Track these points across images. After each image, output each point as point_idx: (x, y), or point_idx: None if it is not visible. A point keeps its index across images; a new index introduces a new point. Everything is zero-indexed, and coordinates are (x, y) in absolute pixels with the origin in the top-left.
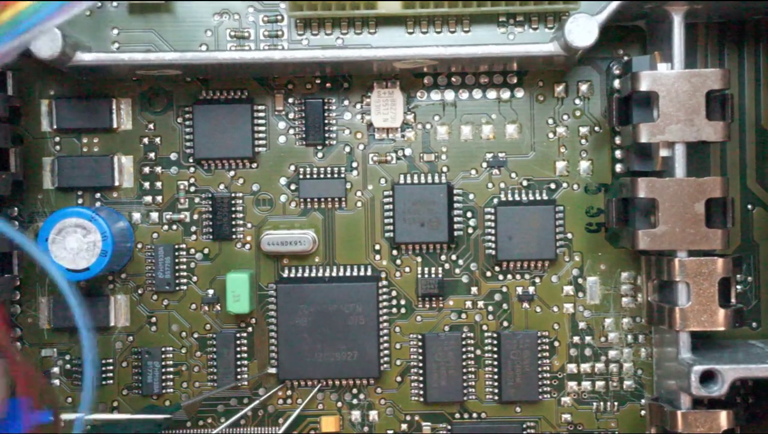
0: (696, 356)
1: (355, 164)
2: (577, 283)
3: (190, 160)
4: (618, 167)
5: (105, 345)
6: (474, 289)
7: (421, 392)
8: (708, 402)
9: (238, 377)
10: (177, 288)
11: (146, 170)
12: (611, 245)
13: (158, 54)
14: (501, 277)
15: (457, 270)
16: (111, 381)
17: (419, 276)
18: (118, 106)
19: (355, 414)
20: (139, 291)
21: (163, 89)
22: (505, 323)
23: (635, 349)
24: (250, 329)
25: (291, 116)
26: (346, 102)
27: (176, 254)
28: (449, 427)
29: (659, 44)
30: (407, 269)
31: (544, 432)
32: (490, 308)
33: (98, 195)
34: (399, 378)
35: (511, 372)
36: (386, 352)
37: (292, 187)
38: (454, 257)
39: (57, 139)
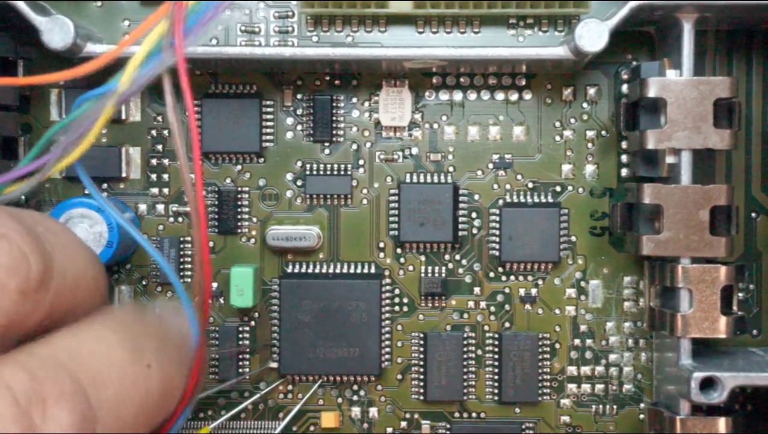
0: (696, 362)
1: (361, 162)
2: (579, 286)
3: None
4: (624, 172)
5: None
6: (477, 289)
7: (422, 390)
8: (707, 409)
9: (240, 371)
10: (181, 280)
11: (153, 161)
12: (615, 249)
13: None
14: (504, 278)
15: (461, 270)
16: None
17: (422, 275)
18: None
19: (355, 411)
20: (143, 283)
21: (172, 82)
22: (507, 324)
23: (636, 353)
24: (252, 323)
25: (299, 112)
26: (354, 100)
27: (181, 246)
28: (448, 426)
29: (668, 51)
30: (411, 268)
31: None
32: (492, 308)
33: (105, 186)
34: (400, 376)
35: (511, 373)
36: (387, 350)
37: (299, 183)
38: (457, 257)
39: None
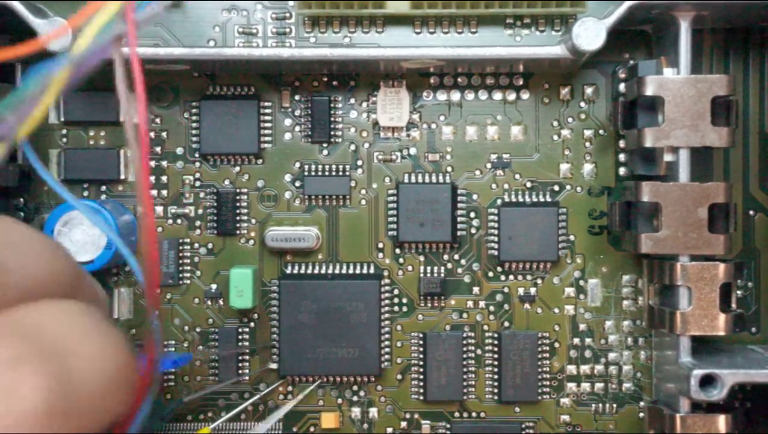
0: (695, 360)
1: (360, 162)
2: (578, 285)
3: (196, 155)
4: (621, 171)
5: None
6: (476, 289)
7: (421, 390)
8: (706, 406)
9: (240, 372)
10: (180, 282)
11: (152, 164)
12: (613, 247)
13: (167, 49)
14: (503, 277)
15: (460, 270)
16: None
17: (422, 275)
18: None
19: (355, 411)
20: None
21: (170, 84)
22: (506, 324)
23: (635, 352)
24: (252, 324)
25: (297, 113)
26: (352, 100)
27: (180, 248)
28: (448, 426)
29: (665, 49)
30: (410, 268)
31: (542, 433)
32: (492, 308)
33: (104, 188)
34: (399, 376)
35: (511, 373)
36: (387, 350)
37: (297, 184)
38: (456, 256)
39: (64, 131)
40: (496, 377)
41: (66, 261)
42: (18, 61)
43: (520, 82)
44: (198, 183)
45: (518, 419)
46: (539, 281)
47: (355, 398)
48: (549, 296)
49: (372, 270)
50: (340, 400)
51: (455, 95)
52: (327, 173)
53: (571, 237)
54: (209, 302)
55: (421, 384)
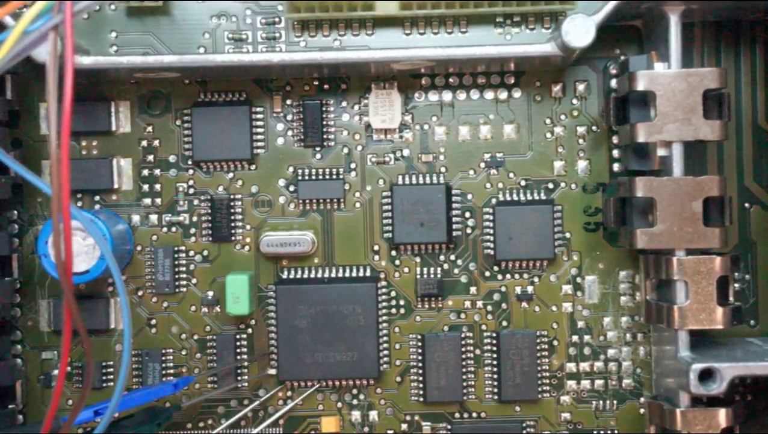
0: (694, 354)
1: (353, 165)
2: (575, 282)
3: (189, 162)
4: (615, 167)
5: (105, 348)
6: (473, 289)
7: (421, 392)
8: (707, 400)
9: (238, 378)
10: (177, 290)
11: (145, 172)
12: (609, 244)
13: (157, 57)
14: (500, 277)
15: (456, 270)
16: (111, 383)
17: (418, 276)
18: (116, 108)
19: (355, 415)
20: (139, 293)
21: (161, 92)
22: (504, 323)
23: (634, 348)
24: (249, 330)
25: (289, 117)
26: (344, 103)
27: (176, 256)
28: (449, 427)
29: (656, 44)
30: (406, 270)
31: (543, 431)
32: (489, 307)
33: (97, 198)
34: (399, 378)
35: (510, 372)
36: (386, 352)
37: (291, 188)
38: (452, 257)
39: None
40: (495, 376)
41: None
42: None
43: (512, 80)
44: (192, 190)
45: (519, 418)
46: (536, 279)
47: (354, 401)
48: (546, 294)
49: (368, 273)
50: (339, 404)
51: (447, 96)
52: (321, 177)
53: (567, 235)
54: (206, 310)
55: (421, 385)
